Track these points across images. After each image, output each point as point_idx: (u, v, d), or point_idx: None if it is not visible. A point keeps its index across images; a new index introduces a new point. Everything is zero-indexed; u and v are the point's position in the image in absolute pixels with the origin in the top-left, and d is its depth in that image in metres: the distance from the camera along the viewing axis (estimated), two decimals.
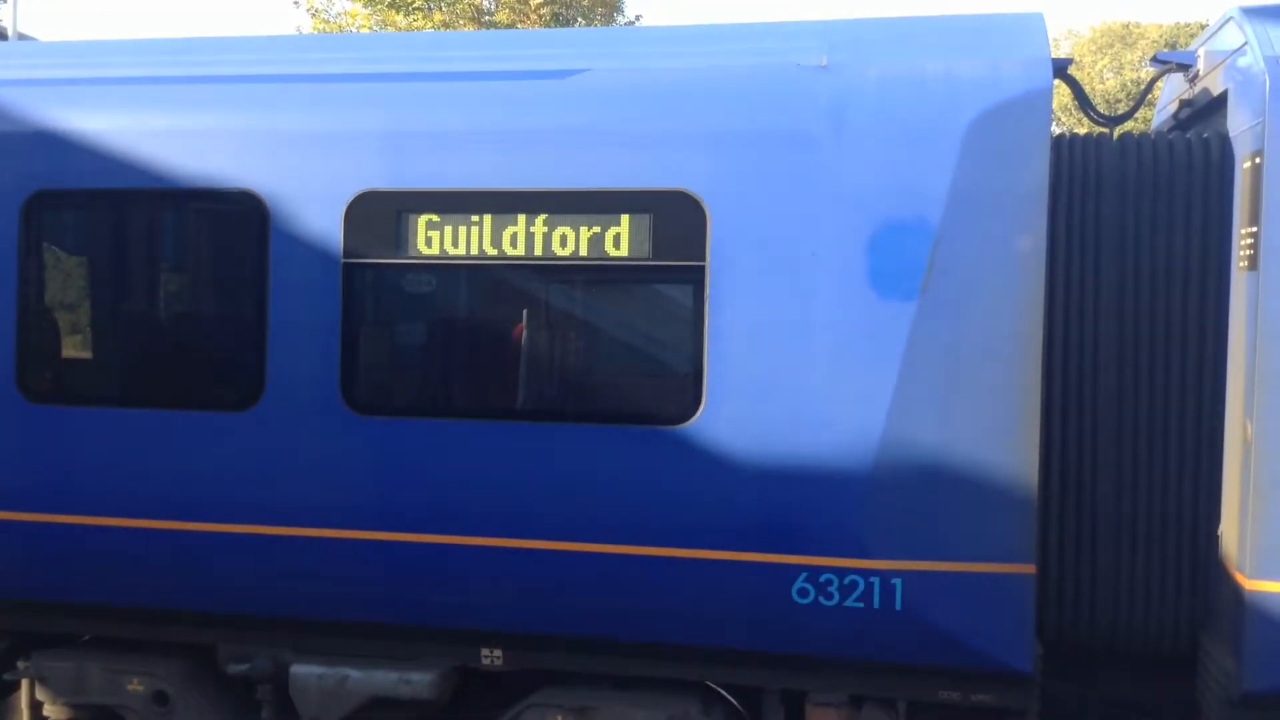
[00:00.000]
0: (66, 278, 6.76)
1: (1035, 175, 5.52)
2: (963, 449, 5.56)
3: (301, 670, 6.36)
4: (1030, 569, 5.59)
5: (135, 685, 6.61)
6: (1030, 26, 5.85)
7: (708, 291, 5.77)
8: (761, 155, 5.73)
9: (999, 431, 5.55)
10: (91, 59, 6.79)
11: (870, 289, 5.61)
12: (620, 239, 5.90)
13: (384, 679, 6.26)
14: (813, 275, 5.66)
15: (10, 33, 14.93)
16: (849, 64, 5.78)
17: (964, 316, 5.57)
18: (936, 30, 5.99)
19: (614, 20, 29.44)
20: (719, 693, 6.34)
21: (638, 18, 30.02)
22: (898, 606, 5.63)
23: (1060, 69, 5.95)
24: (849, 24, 6.14)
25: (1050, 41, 5.88)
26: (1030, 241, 5.54)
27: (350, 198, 6.08)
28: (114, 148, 6.32)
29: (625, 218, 5.88)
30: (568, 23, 27.11)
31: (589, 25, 27.54)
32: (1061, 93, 20.12)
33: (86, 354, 6.83)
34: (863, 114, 5.68)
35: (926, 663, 5.73)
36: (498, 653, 6.21)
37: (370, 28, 24.37)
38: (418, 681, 6.23)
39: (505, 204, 5.98)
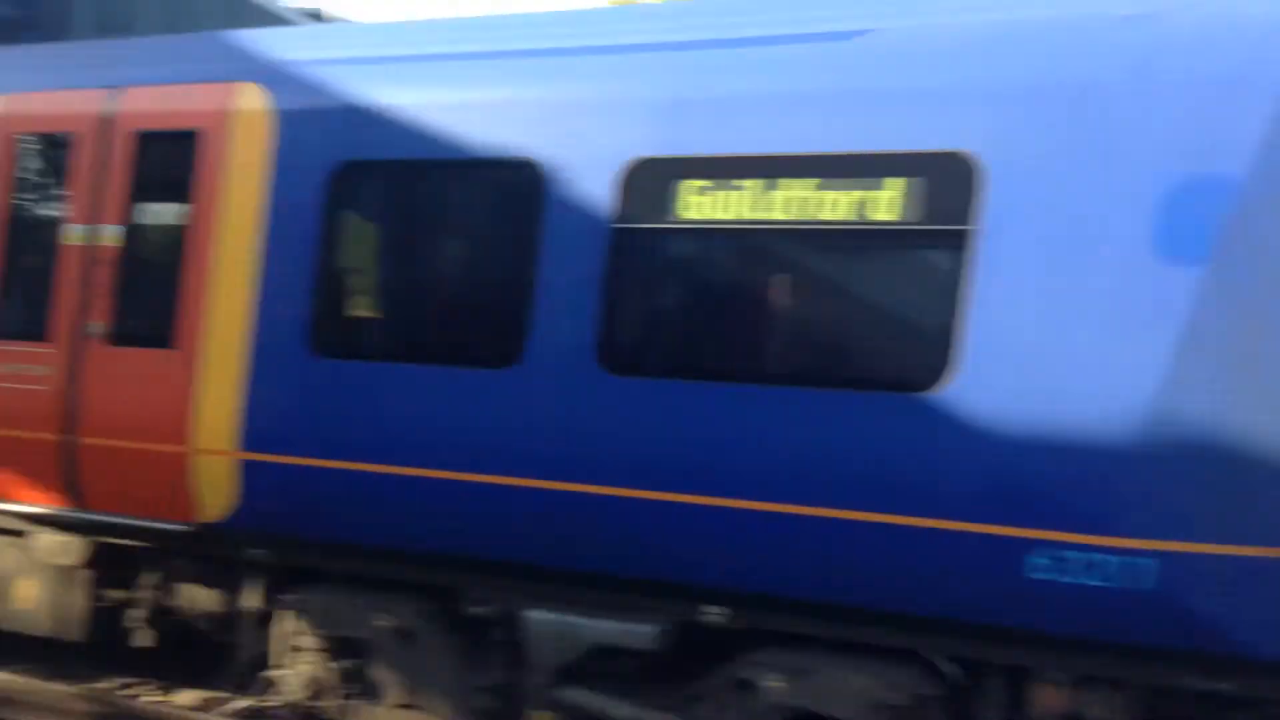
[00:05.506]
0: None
1: None
2: (1241, 427, 5.37)
3: (535, 615, 6.58)
4: None
5: (382, 621, 6.92)
6: None
7: (976, 256, 5.71)
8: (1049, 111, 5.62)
9: None
10: (398, 38, 7.27)
11: (1156, 253, 5.43)
12: (887, 203, 5.92)
13: (609, 629, 6.44)
14: (1093, 238, 5.53)
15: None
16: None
17: (1259, 282, 5.38)
18: None
19: None
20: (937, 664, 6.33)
21: None
22: (1150, 586, 5.48)
23: None
24: None
25: None
26: None
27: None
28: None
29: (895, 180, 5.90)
30: None
31: None
32: None
33: (369, 314, 7.23)
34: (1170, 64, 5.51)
35: (1169, 646, 5.57)
36: (721, 610, 6.30)
37: None
38: (641, 633, 6.39)
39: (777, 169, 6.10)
